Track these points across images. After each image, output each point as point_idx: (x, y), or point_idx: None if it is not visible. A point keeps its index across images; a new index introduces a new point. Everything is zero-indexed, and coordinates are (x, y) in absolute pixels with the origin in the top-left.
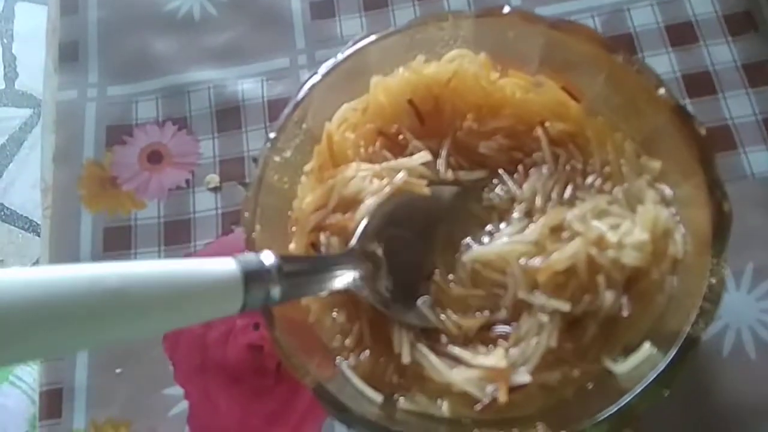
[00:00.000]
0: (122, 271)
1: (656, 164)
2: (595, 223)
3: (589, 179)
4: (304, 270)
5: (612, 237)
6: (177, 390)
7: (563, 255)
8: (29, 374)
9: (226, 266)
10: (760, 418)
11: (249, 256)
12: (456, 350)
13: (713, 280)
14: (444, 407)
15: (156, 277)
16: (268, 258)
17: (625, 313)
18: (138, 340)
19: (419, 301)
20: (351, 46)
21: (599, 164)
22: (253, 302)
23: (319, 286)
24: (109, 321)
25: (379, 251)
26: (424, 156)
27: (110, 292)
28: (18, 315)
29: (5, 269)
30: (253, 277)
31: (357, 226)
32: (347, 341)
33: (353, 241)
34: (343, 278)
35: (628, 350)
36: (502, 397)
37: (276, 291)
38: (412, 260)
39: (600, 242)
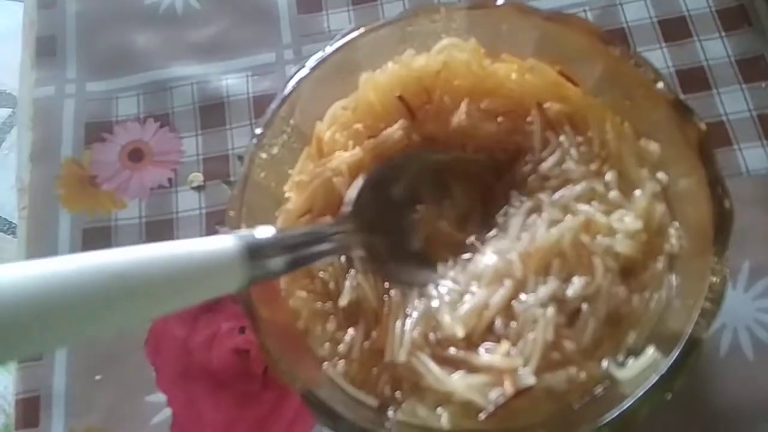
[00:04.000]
0: (124, 258)
1: (655, 146)
2: (583, 206)
3: (584, 163)
4: (303, 241)
5: (600, 219)
6: (160, 397)
7: (545, 241)
8: (0, 383)
9: (226, 244)
10: (758, 418)
11: (247, 232)
12: (457, 353)
13: (714, 279)
14: (444, 419)
15: (158, 261)
16: (266, 232)
17: (622, 295)
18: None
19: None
20: (340, 39)
21: (597, 145)
22: (257, 276)
23: (319, 253)
24: (115, 307)
25: (371, 213)
26: (401, 123)
27: (115, 278)
28: (29, 309)
29: (12, 264)
30: (254, 251)
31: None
32: (339, 348)
33: (346, 207)
34: (339, 245)
35: (632, 353)
36: (508, 390)
37: (279, 263)
38: (403, 219)
39: (588, 226)
